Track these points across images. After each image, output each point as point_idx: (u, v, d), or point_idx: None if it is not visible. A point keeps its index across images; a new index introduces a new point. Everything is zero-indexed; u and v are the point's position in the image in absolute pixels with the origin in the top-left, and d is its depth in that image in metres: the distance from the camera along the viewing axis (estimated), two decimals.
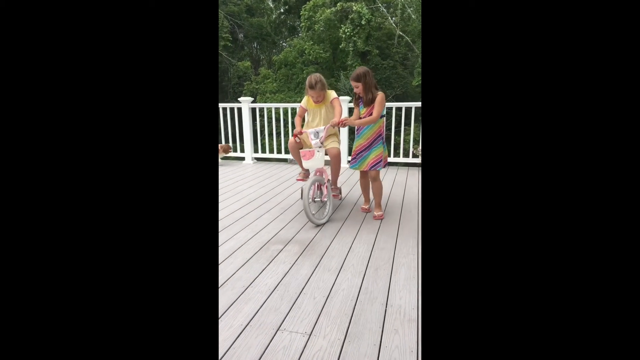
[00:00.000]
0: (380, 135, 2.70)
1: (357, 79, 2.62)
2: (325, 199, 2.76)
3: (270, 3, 17.49)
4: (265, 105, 5.18)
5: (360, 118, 2.67)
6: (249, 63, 15.64)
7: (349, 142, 4.65)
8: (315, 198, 2.74)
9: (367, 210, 2.89)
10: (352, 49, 12.11)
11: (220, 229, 2.54)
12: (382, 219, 2.71)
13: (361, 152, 2.72)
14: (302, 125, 3.03)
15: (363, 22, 11.62)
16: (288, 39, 17.10)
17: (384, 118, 2.75)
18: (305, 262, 2.02)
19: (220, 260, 2.05)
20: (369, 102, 2.63)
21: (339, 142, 2.99)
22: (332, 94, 2.93)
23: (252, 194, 3.46)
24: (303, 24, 13.43)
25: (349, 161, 3.21)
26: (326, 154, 2.86)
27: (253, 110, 5.25)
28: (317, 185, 2.77)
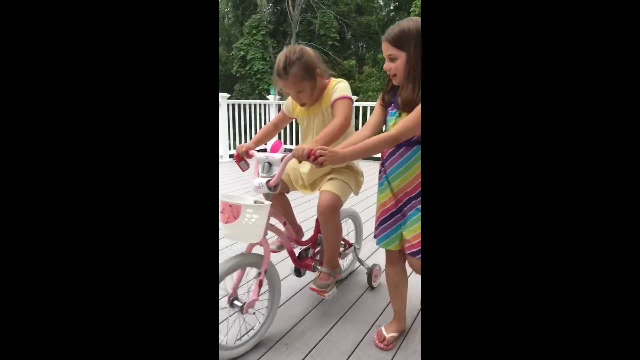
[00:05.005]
0: None
1: (399, 41, 1.10)
2: (266, 307, 1.34)
3: (380, 1, 17.42)
4: (368, 104, 5.23)
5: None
6: (354, 62, 15.85)
7: None
8: (234, 299, 1.27)
9: (384, 338, 1.33)
10: None
11: None
12: (389, 349, 1.32)
13: (391, 214, 1.26)
14: (287, 140, 1.73)
15: None
16: None
17: None
18: None
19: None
20: (410, 105, 1.11)
21: (346, 181, 1.43)
22: (340, 88, 1.36)
23: None
24: None
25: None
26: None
27: (357, 108, 5.35)
28: (246, 274, 1.32)
